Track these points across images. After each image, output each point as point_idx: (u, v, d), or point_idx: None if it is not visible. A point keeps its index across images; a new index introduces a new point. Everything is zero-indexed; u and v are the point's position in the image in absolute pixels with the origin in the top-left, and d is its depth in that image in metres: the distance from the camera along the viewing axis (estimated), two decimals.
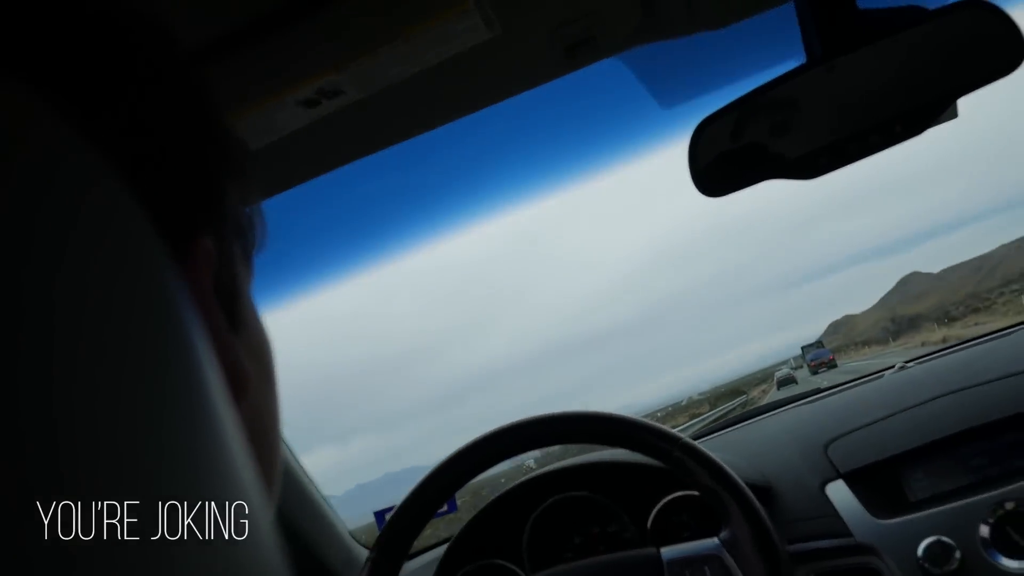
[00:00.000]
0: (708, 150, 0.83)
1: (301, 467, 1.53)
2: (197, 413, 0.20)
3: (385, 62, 0.68)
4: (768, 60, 0.98)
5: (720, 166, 0.84)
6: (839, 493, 1.24)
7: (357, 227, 1.40)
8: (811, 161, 0.83)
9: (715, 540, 1.07)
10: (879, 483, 1.24)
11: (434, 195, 1.47)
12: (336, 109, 0.74)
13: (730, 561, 1.03)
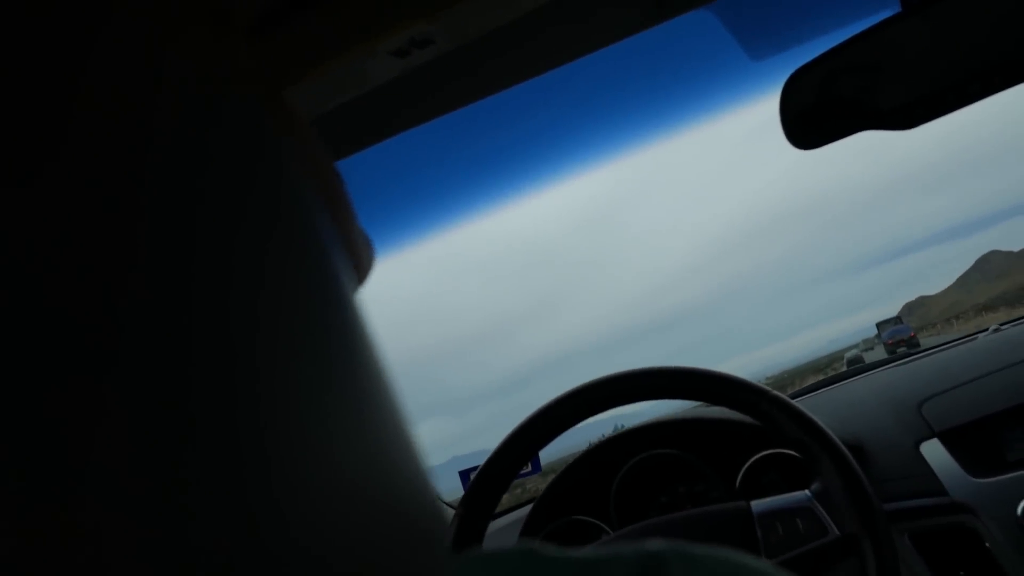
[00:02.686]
0: (800, 101, 0.83)
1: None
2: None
3: (475, 10, 0.68)
4: (863, 9, 0.96)
5: (813, 117, 0.83)
6: (934, 452, 1.22)
7: (422, 194, 1.39)
8: (907, 111, 0.81)
9: (806, 492, 1.06)
10: (976, 442, 1.22)
11: (505, 158, 1.46)
12: (426, 60, 0.74)
13: (822, 512, 1.02)
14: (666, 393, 1.12)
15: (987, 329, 1.59)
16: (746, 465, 1.32)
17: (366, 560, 0.17)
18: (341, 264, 0.22)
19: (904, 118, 0.82)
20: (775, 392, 1.04)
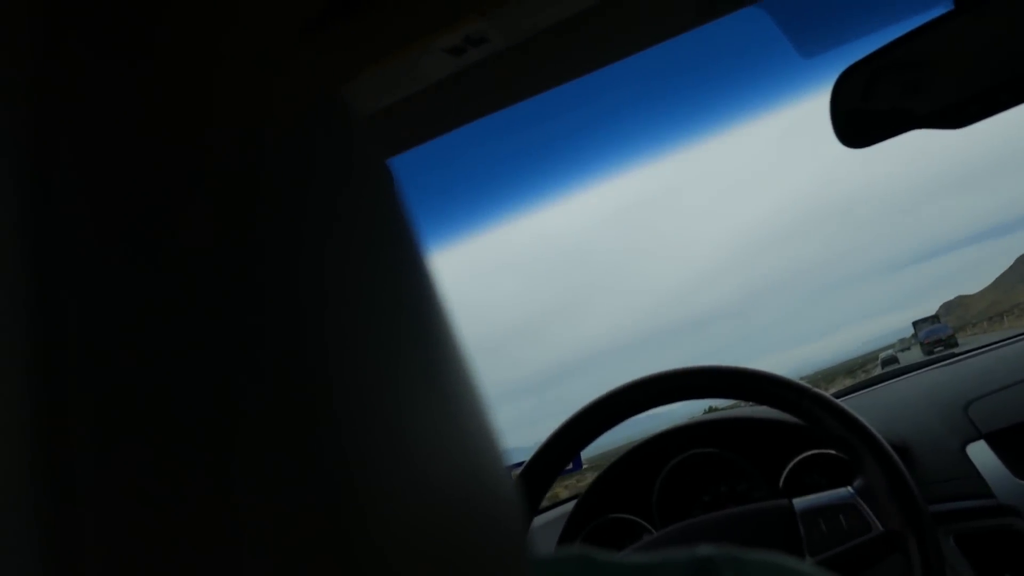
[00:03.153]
0: (851, 99, 0.83)
1: None
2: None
3: (528, 9, 0.69)
4: (915, 6, 0.95)
5: (864, 115, 0.83)
6: (981, 454, 1.20)
7: (462, 193, 1.40)
8: (960, 110, 0.81)
9: (848, 489, 1.06)
10: (1023, 444, 1.21)
11: (548, 155, 1.46)
12: (480, 58, 0.75)
13: (865, 509, 1.02)
14: (708, 392, 1.13)
15: None
16: (789, 465, 1.32)
17: (446, 553, 0.18)
18: (430, 268, 0.23)
19: (956, 117, 0.81)
20: (816, 390, 1.04)
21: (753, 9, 0.90)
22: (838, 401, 1.03)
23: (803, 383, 1.06)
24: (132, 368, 0.14)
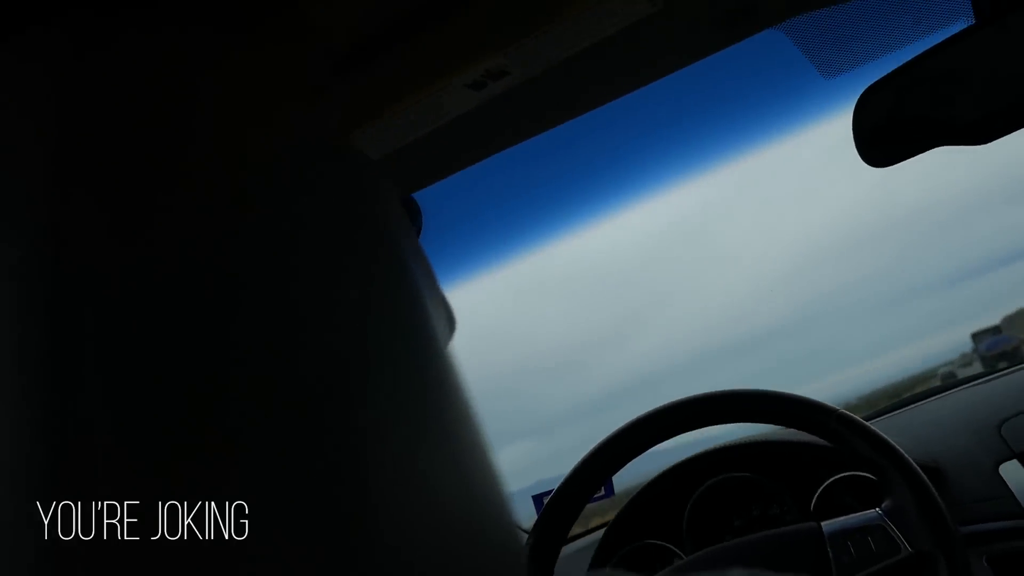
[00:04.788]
0: (873, 118, 0.82)
1: None
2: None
3: (548, 41, 0.70)
4: (935, 22, 0.95)
5: (887, 134, 0.83)
6: (1015, 473, 1.18)
7: (500, 220, 1.40)
8: (985, 125, 0.81)
9: (876, 510, 1.05)
10: None
11: (581, 180, 1.47)
12: (501, 91, 0.76)
13: (894, 530, 1.01)
14: (735, 416, 1.13)
15: None
16: (821, 487, 1.31)
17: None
18: (435, 308, 0.24)
19: (980, 133, 0.81)
20: (843, 411, 1.03)
21: (773, 31, 0.91)
22: (865, 422, 1.02)
23: (831, 405, 1.06)
24: (148, 389, 0.15)
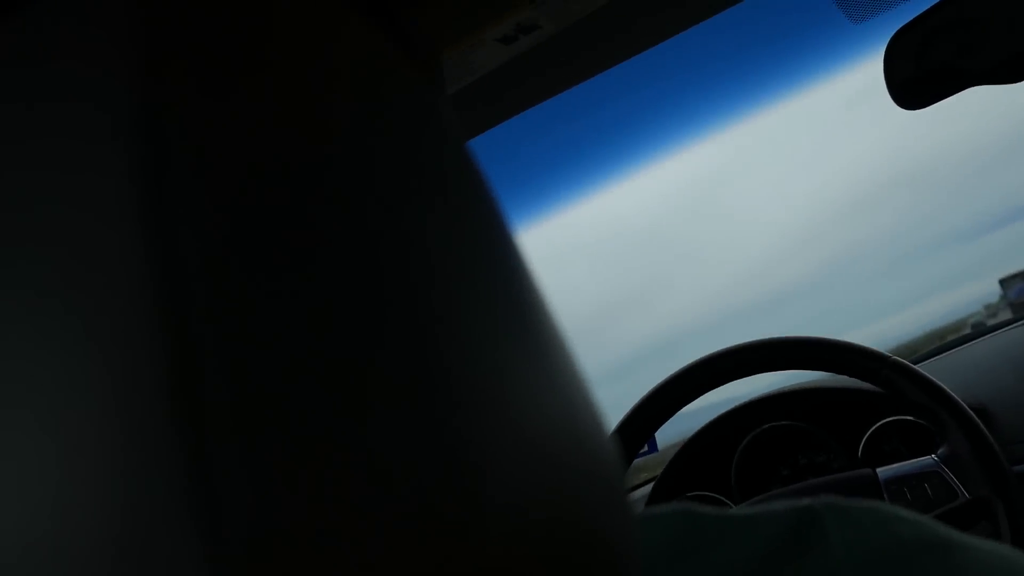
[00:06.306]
0: (905, 60, 0.82)
1: None
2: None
3: None
4: None
5: (919, 76, 0.82)
6: None
7: (523, 179, 1.40)
8: (1017, 63, 0.80)
9: (932, 457, 1.06)
10: None
11: (604, 138, 1.46)
12: (532, 45, 0.75)
13: (950, 477, 1.02)
14: (786, 364, 1.13)
15: None
16: (868, 432, 1.31)
17: (550, 509, 0.18)
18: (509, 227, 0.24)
19: (1012, 72, 0.80)
20: (896, 358, 1.03)
21: None
22: (919, 368, 1.02)
23: (882, 351, 1.06)
24: (262, 364, 0.16)
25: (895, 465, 1.08)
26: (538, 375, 0.20)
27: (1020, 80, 0.81)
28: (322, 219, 0.17)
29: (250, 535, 0.14)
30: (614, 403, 1.25)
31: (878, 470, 1.08)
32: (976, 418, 0.98)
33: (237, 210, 0.17)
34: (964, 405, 0.99)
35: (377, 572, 0.15)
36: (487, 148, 1.10)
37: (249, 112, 0.18)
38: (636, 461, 1.38)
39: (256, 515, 0.14)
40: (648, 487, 1.50)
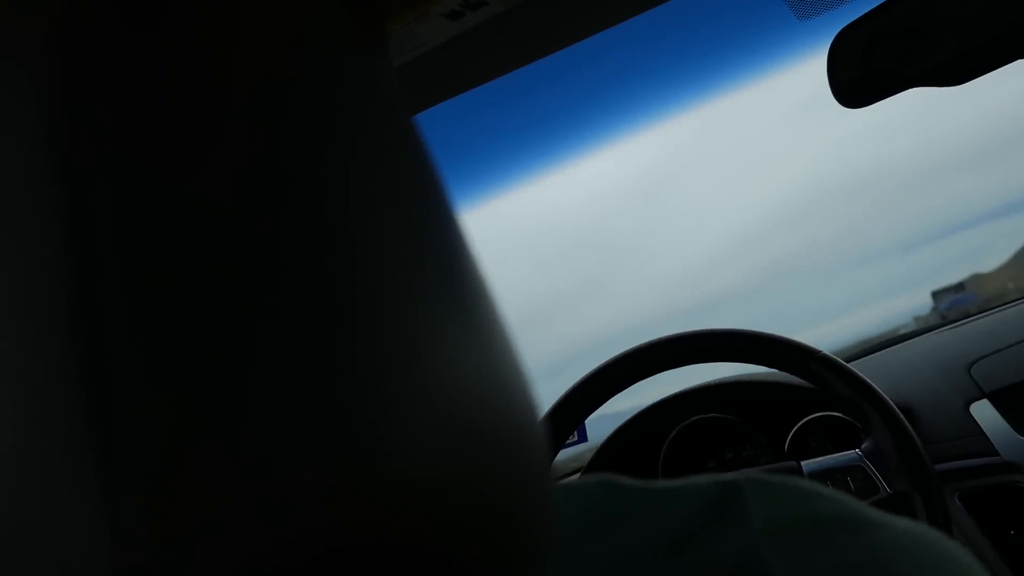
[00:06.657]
0: (848, 60, 0.83)
1: None
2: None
3: None
4: None
5: (861, 75, 0.83)
6: (984, 413, 1.21)
7: (464, 161, 1.39)
8: (957, 66, 0.81)
9: (856, 452, 1.07)
10: None
11: (547, 123, 1.45)
12: (478, 22, 0.74)
13: (873, 471, 1.03)
14: (719, 355, 1.13)
15: None
16: (796, 427, 1.33)
17: (467, 477, 0.18)
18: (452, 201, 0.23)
19: (954, 73, 0.81)
20: (825, 353, 1.04)
21: None
22: (846, 364, 1.03)
23: (811, 346, 1.07)
24: (164, 292, 0.15)
25: (819, 459, 1.09)
26: (467, 346, 0.19)
27: (961, 82, 0.82)
28: (228, 158, 0.17)
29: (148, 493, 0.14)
30: (551, 400, 1.25)
31: (803, 463, 1.09)
32: (900, 414, 1.00)
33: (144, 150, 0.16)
34: (889, 401, 1.00)
35: (271, 534, 0.15)
36: (428, 126, 1.09)
37: (167, 47, 0.17)
38: (567, 450, 1.38)
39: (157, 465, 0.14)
40: (576, 476, 1.50)
